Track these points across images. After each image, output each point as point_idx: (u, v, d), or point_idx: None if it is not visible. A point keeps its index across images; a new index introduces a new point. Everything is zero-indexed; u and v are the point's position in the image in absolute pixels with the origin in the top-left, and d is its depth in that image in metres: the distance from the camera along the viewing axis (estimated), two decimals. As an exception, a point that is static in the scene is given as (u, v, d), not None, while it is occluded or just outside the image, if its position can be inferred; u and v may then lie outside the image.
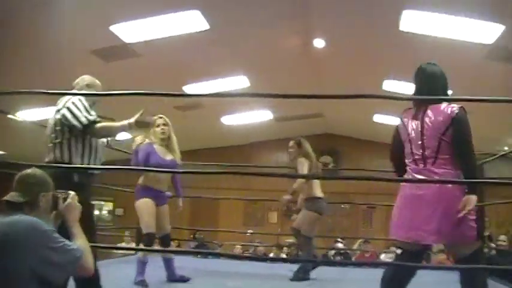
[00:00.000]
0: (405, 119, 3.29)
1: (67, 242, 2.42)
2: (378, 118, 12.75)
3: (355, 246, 10.79)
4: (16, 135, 10.51)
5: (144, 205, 4.80)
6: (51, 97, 4.17)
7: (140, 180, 4.94)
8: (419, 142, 3.16)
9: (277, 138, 15.53)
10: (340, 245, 10.67)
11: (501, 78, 7.87)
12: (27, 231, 2.25)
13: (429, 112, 3.18)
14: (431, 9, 6.67)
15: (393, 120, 12.11)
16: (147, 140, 5.01)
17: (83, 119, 3.73)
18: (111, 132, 4.03)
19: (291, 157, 6.14)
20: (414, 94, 3.36)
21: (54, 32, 7.24)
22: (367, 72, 9.46)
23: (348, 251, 10.51)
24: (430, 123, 3.15)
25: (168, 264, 5.13)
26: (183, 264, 6.70)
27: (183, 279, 5.16)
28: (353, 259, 10.18)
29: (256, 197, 12.01)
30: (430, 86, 3.28)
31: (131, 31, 7.50)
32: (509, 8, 6.26)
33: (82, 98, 3.86)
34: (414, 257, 3.25)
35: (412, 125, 3.22)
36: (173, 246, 10.75)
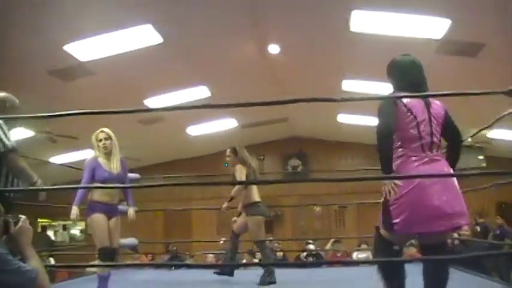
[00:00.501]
0: (408, 104, 3.22)
1: (22, 263, 2.45)
2: (342, 118, 12.92)
3: (327, 246, 10.89)
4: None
5: (96, 221, 4.76)
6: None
7: (89, 196, 4.89)
8: (429, 129, 3.19)
9: (245, 145, 15.58)
10: (311, 247, 10.76)
11: (452, 71, 8.07)
12: (-19, 257, 2.28)
13: (432, 101, 3.28)
14: (378, 8, 6.81)
15: (357, 119, 12.34)
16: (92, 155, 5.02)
17: (8, 143, 3.79)
18: (24, 171, 4.05)
19: (229, 165, 6.35)
20: (406, 85, 3.31)
21: (9, 54, 7.22)
22: (324, 74, 9.57)
23: (320, 252, 10.60)
24: (436, 112, 3.25)
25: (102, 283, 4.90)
26: (156, 277, 6.75)
27: None
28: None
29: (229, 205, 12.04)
30: (423, 76, 3.36)
31: (85, 50, 7.50)
32: (453, 2, 6.42)
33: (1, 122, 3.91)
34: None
35: (420, 112, 3.21)
36: (146, 260, 10.78)
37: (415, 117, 3.18)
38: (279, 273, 5.84)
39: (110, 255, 4.80)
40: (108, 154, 4.97)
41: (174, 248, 11.86)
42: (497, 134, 11.50)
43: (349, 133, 14.11)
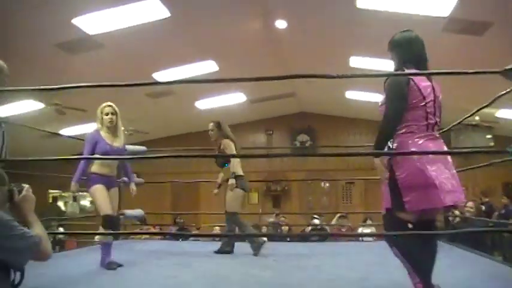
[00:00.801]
0: (419, 84, 3.17)
1: (26, 229, 2.55)
2: (350, 94, 12.92)
3: (333, 222, 10.99)
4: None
5: (98, 191, 4.90)
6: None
7: (89, 168, 5.01)
8: (432, 109, 3.19)
9: (254, 119, 15.71)
10: (316, 221, 10.85)
11: (459, 49, 8.05)
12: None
13: (434, 82, 3.29)
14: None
15: (365, 96, 12.34)
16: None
17: None
18: None
19: (212, 138, 6.29)
20: (409, 62, 3.27)
21: (18, 28, 7.29)
22: (331, 50, 9.57)
23: (325, 227, 10.69)
24: (437, 94, 3.25)
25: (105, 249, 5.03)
26: (162, 247, 6.89)
27: (112, 267, 4.87)
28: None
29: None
30: (425, 53, 3.31)
31: (93, 23, 7.54)
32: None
33: None
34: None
35: (428, 93, 3.18)
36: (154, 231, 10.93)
37: (424, 98, 3.15)
38: (282, 246, 5.94)
39: (113, 223, 4.90)
40: (112, 128, 5.08)
41: (182, 221, 12.03)
42: (506, 113, 11.49)
43: (357, 110, 14.11)
